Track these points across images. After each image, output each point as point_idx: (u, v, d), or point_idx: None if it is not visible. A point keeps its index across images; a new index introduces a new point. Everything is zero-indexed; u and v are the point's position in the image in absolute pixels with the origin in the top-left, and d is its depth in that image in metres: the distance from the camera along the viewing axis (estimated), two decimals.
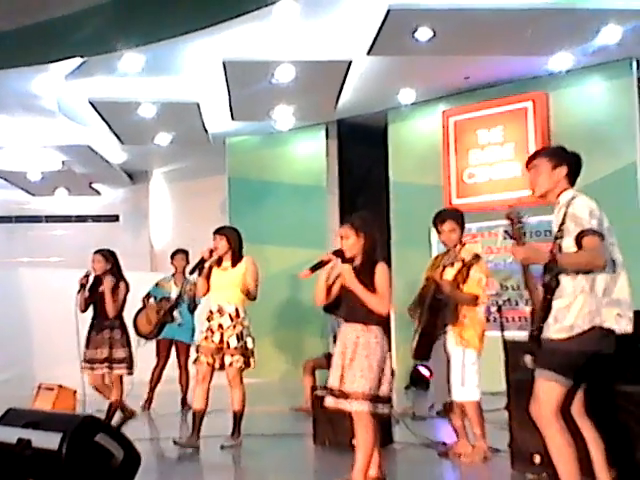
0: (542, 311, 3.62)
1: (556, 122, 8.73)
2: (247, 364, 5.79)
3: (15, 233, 14.14)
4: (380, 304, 4.31)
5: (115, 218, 14.40)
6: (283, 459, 5.62)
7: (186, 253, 8.11)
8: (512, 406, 4.61)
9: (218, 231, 5.94)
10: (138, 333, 7.63)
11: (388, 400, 4.38)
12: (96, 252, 6.58)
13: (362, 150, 10.64)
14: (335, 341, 7.57)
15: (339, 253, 4.43)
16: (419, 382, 8.71)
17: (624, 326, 3.54)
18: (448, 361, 5.18)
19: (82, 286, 6.48)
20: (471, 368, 5.10)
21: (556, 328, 3.55)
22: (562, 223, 3.61)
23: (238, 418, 5.90)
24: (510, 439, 4.60)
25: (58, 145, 11.30)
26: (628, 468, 3.95)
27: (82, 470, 3.90)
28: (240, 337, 5.74)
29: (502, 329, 5.46)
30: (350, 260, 4.44)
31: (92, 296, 6.51)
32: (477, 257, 5.11)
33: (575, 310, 3.52)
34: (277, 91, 8.73)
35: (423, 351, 5.24)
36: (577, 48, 7.81)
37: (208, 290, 5.88)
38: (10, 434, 4.08)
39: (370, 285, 4.31)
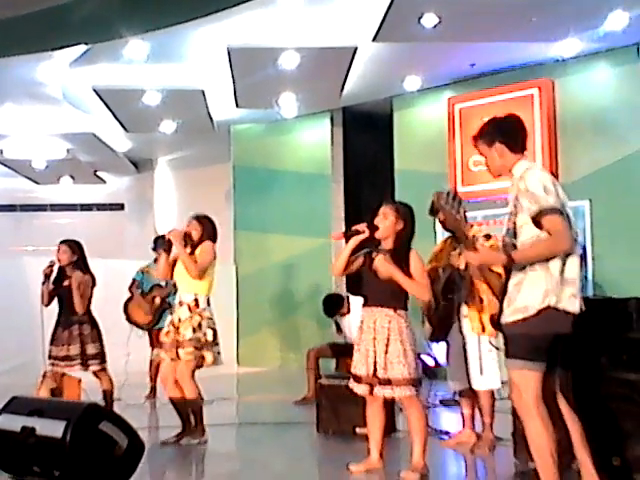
0: (501, 294, 3.45)
1: (562, 109, 8.67)
2: (201, 359, 5.40)
3: (20, 222, 14.18)
4: (422, 291, 4.40)
5: (120, 207, 14.42)
6: (286, 447, 5.63)
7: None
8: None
9: (193, 218, 5.67)
10: (135, 324, 7.58)
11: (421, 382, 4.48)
12: (62, 242, 6.33)
13: (367, 138, 10.59)
14: (339, 330, 7.65)
15: (372, 227, 4.46)
16: (423, 371, 8.69)
17: (577, 306, 3.34)
18: (464, 346, 5.16)
19: (46, 276, 6.21)
20: (488, 355, 5.06)
21: (510, 310, 3.37)
22: (515, 198, 3.40)
23: (197, 411, 5.57)
24: (513, 428, 4.59)
25: (63, 133, 11.31)
26: (631, 456, 3.94)
27: (86, 458, 3.92)
28: (197, 329, 5.40)
29: None
30: (378, 240, 4.49)
31: (56, 289, 6.26)
32: (488, 237, 5.06)
33: (526, 288, 3.33)
34: (282, 78, 8.70)
35: (440, 333, 5.24)
36: (583, 34, 7.75)
37: (167, 275, 5.64)
38: (14, 422, 4.10)
39: (402, 271, 4.34)
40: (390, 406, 5.34)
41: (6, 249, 13.14)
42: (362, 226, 4.51)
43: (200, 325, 5.43)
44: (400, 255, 4.41)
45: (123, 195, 14.48)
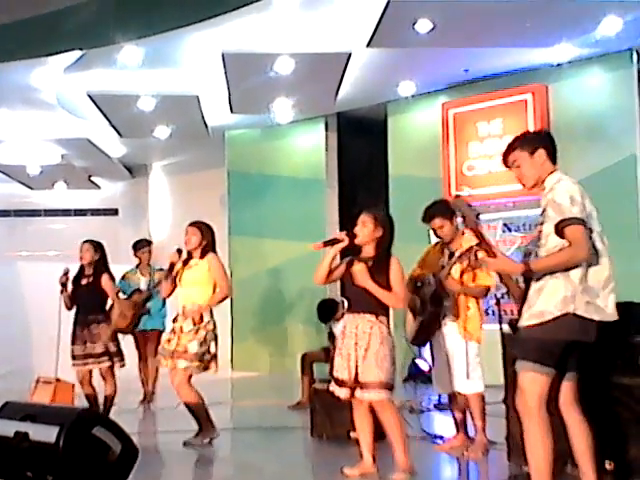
0: (521, 298, 3.55)
1: (556, 114, 8.70)
2: (206, 368, 5.59)
3: (14, 227, 14.13)
4: (395, 300, 4.46)
5: (114, 212, 14.39)
6: (281, 452, 5.63)
7: (149, 243, 8.07)
8: (509, 399, 4.60)
9: (191, 224, 5.76)
10: (116, 329, 7.62)
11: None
12: (85, 242, 6.49)
13: (361, 143, 10.61)
14: (331, 336, 7.66)
15: (352, 235, 4.53)
16: (417, 375, 8.70)
17: (600, 315, 3.42)
18: (451, 352, 5.16)
19: (63, 285, 6.37)
20: (474, 360, 5.12)
21: (527, 315, 3.47)
22: (544, 208, 3.50)
23: (198, 413, 5.65)
24: (507, 432, 4.60)
25: (57, 138, 11.28)
26: (624, 461, 3.94)
27: (79, 463, 3.91)
28: (203, 342, 5.53)
29: (500, 322, 5.44)
30: (359, 248, 4.54)
31: (75, 289, 6.38)
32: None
33: (546, 295, 3.41)
34: (276, 84, 8.71)
35: (422, 338, 5.26)
36: (577, 39, 7.78)
37: (172, 292, 5.75)
38: (7, 427, 4.09)
39: (382, 277, 4.42)
40: None
41: (0, 254, 13.11)
42: (341, 234, 4.60)
43: (205, 339, 5.56)
44: (381, 262, 4.49)
45: (117, 200, 14.45)
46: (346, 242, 4.54)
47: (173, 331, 5.63)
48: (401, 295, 4.49)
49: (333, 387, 4.62)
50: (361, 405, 4.57)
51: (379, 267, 4.47)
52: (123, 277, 7.92)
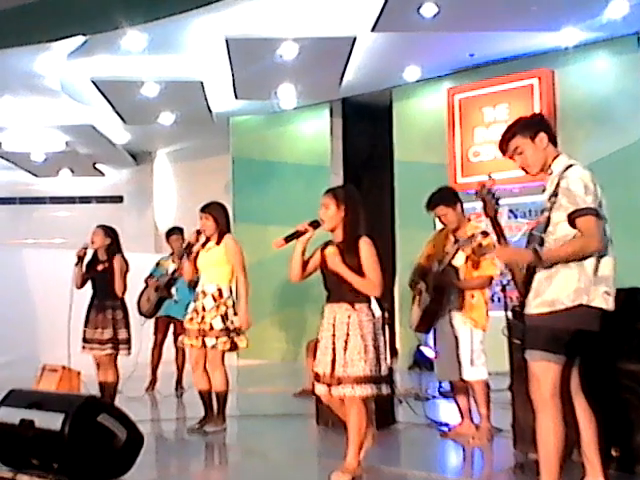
0: (524, 286, 3.43)
1: (562, 99, 8.65)
2: (234, 345, 5.60)
3: (19, 214, 14.17)
4: (370, 287, 4.06)
5: (119, 199, 14.40)
6: (286, 439, 5.63)
7: (181, 231, 8.10)
8: (515, 386, 4.59)
9: (204, 209, 5.71)
10: (140, 312, 7.63)
11: (388, 379, 4.23)
12: (97, 227, 6.48)
13: (366, 129, 10.57)
14: None
15: (315, 224, 4.20)
16: (423, 363, 8.68)
17: (611, 304, 3.36)
18: (455, 339, 5.15)
19: (79, 258, 6.36)
20: (479, 347, 5.11)
21: (536, 302, 3.37)
22: (553, 194, 3.37)
23: (222, 400, 5.68)
24: (513, 419, 4.58)
25: (61, 125, 11.28)
26: (630, 447, 3.92)
27: (85, 450, 3.93)
28: (225, 318, 5.56)
29: (506, 309, 5.42)
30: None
31: (89, 272, 6.40)
32: (485, 235, 5.03)
33: (557, 283, 3.32)
34: (281, 69, 8.67)
35: (425, 325, 5.25)
36: (583, 23, 7.72)
37: (195, 273, 5.72)
38: (13, 415, 4.12)
39: (354, 262, 4.05)
40: (390, 398, 5.34)
41: (5, 242, 13.13)
42: (303, 225, 4.21)
43: (227, 314, 5.58)
44: (349, 245, 4.09)
45: (122, 187, 14.46)
46: (311, 232, 4.18)
47: (195, 311, 5.64)
48: (376, 281, 4.03)
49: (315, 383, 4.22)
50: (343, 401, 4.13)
51: (349, 251, 4.06)
52: (157, 264, 8.02)
